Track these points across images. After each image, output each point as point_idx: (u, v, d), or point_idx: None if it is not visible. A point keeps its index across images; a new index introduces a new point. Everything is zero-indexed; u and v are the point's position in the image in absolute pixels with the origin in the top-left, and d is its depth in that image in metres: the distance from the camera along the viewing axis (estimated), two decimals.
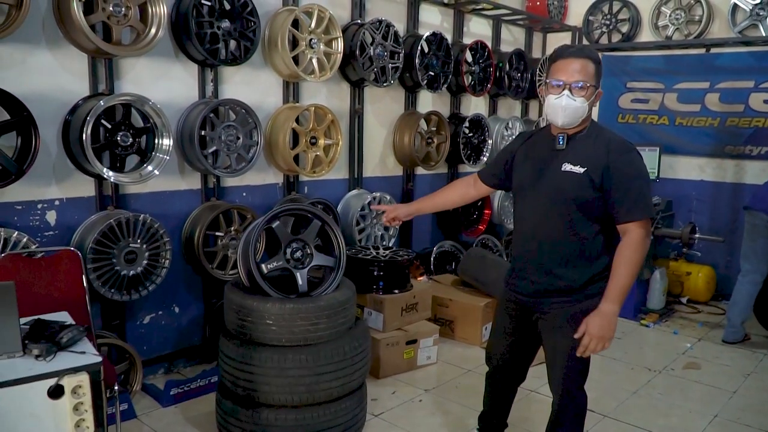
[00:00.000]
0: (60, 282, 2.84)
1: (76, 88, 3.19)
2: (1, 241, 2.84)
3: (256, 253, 2.89)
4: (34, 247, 2.94)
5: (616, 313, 2.22)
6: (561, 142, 2.31)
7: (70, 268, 2.86)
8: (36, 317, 2.16)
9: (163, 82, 3.53)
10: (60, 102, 3.14)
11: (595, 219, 2.28)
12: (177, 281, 3.73)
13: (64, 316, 2.25)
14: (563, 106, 2.22)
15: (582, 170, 2.25)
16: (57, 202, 3.21)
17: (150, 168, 3.28)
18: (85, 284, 2.87)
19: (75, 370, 1.81)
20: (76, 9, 2.90)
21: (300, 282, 2.96)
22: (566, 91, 2.21)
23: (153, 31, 3.20)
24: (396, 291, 3.99)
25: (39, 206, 3.15)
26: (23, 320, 2.07)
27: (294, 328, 2.78)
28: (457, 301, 4.42)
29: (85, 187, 3.29)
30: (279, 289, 2.89)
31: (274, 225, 2.96)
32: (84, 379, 1.81)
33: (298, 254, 3.00)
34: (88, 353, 1.92)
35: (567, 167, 2.27)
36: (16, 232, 2.89)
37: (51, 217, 3.20)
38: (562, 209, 2.29)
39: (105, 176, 3.09)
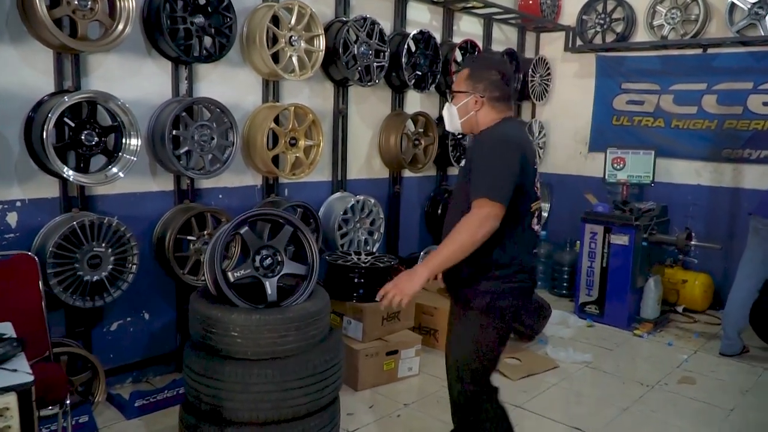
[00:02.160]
0: (14, 288, 2.69)
1: (41, 84, 3.05)
2: None
3: (222, 260, 2.74)
4: None
5: (422, 277, 2.18)
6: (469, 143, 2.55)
7: (25, 273, 2.71)
8: None
9: (134, 80, 3.39)
10: (23, 99, 3.00)
11: None
12: (147, 286, 3.58)
13: (5, 328, 2.10)
14: (445, 111, 2.47)
15: (463, 162, 2.45)
16: (18, 203, 3.06)
17: (115, 170, 3.13)
18: (41, 290, 2.73)
19: (1, 391, 1.66)
20: (39, 3, 2.75)
21: (269, 291, 2.81)
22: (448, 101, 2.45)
23: (120, 27, 3.05)
24: (377, 299, 3.83)
25: None
26: None
27: (260, 341, 2.63)
28: (442, 309, 4.26)
29: (49, 188, 3.14)
30: (248, 297, 2.75)
31: (242, 231, 2.82)
32: (11, 400, 1.65)
33: (268, 262, 2.85)
34: (20, 371, 1.76)
35: (462, 163, 2.42)
36: None
37: (12, 218, 3.05)
38: (458, 200, 2.37)
39: (65, 176, 2.94)
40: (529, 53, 6.16)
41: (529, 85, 5.84)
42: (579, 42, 5.95)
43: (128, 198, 3.45)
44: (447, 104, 2.44)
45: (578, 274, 5.12)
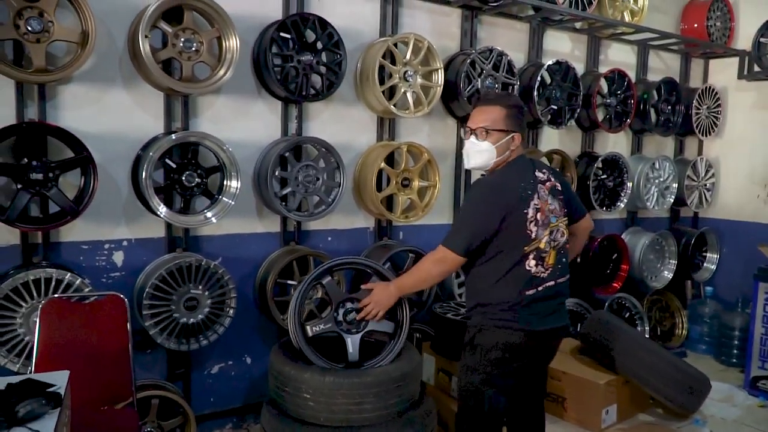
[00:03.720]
0: (104, 329, 2.69)
1: (151, 126, 3.10)
2: (53, 283, 2.76)
3: (300, 312, 2.54)
4: (87, 290, 2.82)
5: (394, 294, 2.62)
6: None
7: (115, 314, 2.71)
8: (27, 376, 1.97)
9: (243, 120, 3.36)
10: (133, 140, 3.06)
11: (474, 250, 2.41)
12: (249, 330, 3.49)
13: (60, 378, 2.03)
14: (466, 149, 2.54)
15: None
16: (125, 243, 3.11)
17: (209, 214, 3.08)
18: (129, 333, 2.70)
19: None
20: (142, 44, 2.79)
21: (350, 350, 2.56)
22: (472, 136, 2.50)
23: (222, 70, 3.02)
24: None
25: (106, 246, 3.06)
26: (14, 378, 1.89)
27: (333, 406, 2.38)
28: (571, 374, 3.71)
29: (155, 228, 3.17)
30: (331, 355, 2.51)
31: (325, 281, 2.60)
32: None
33: (351, 316, 2.60)
34: None
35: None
36: (69, 274, 2.79)
37: (118, 257, 3.10)
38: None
39: (160, 215, 2.93)
40: (695, 82, 5.41)
41: (694, 118, 5.09)
42: (756, 68, 5.09)
43: (233, 239, 3.41)
44: (473, 141, 2.50)
45: (750, 342, 4.27)
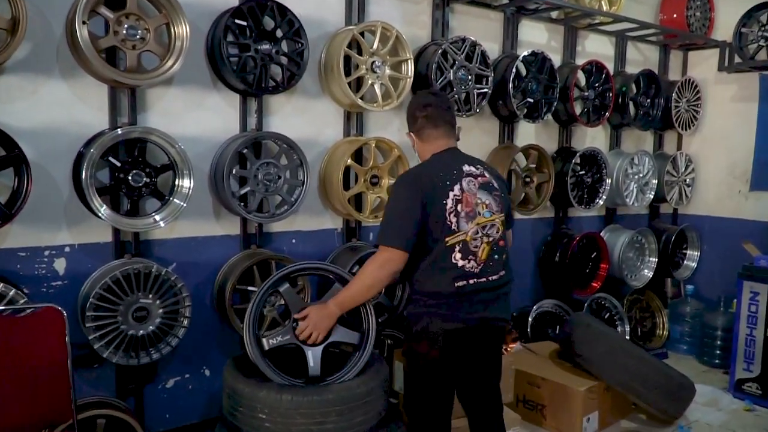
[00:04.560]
0: (39, 345, 2.44)
1: (94, 121, 2.83)
2: None
3: (256, 324, 2.31)
4: (22, 302, 2.55)
5: (334, 313, 2.46)
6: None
7: (51, 328, 2.45)
8: None
9: (197, 114, 3.11)
10: (75, 137, 2.79)
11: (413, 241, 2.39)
12: (208, 340, 3.26)
13: None
14: None
15: None
16: (67, 249, 2.85)
17: (157, 218, 2.83)
18: (68, 348, 2.45)
19: None
20: (80, 31, 2.54)
21: (311, 363, 2.34)
22: None
23: (171, 61, 2.77)
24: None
25: (46, 253, 2.80)
26: None
27: (292, 427, 2.18)
28: (551, 381, 3.54)
29: (101, 232, 2.91)
30: (292, 370, 2.29)
31: (282, 288, 2.38)
32: None
33: None
34: None
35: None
36: (1, 284, 2.53)
37: (60, 265, 2.84)
38: None
39: (102, 218, 2.68)
40: (674, 75, 5.27)
41: (674, 112, 4.95)
42: (737, 59, 4.96)
43: (189, 243, 3.16)
44: None
45: (735, 343, 4.13)
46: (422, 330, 2.38)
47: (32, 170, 2.61)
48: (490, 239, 2.43)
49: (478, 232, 2.39)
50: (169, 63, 2.77)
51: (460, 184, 2.41)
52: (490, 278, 2.43)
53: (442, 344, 2.37)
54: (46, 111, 2.73)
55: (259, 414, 2.16)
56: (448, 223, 2.35)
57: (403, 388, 2.52)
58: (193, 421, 3.27)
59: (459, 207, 2.37)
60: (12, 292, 2.53)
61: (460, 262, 2.36)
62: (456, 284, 2.34)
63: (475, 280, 2.38)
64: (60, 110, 2.76)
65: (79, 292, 2.85)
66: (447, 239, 2.35)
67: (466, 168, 2.48)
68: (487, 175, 2.53)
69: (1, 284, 2.51)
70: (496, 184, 2.54)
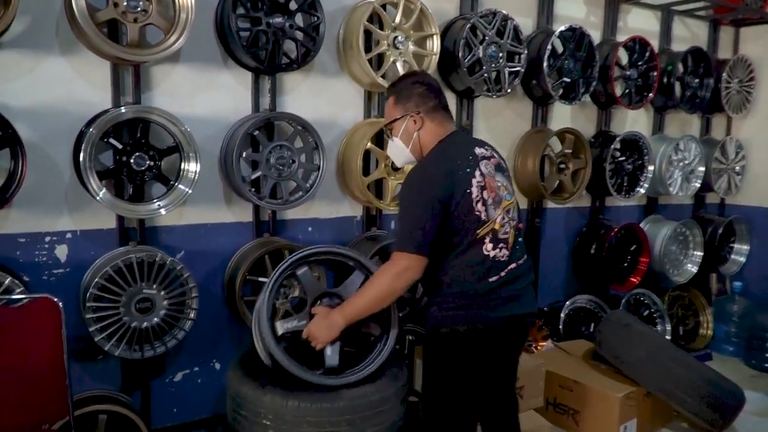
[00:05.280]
0: (33, 337, 2.29)
1: (96, 100, 2.66)
2: None
3: (270, 309, 2.13)
4: (18, 291, 2.42)
5: (338, 325, 2.21)
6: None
7: (46, 319, 2.29)
8: None
9: (207, 93, 2.92)
10: (76, 117, 2.62)
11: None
12: (218, 333, 3.09)
13: None
14: (389, 150, 2.43)
15: None
16: (69, 235, 2.70)
17: (160, 204, 2.65)
18: (63, 341, 2.29)
19: None
20: (76, 3, 2.37)
21: (328, 352, 2.16)
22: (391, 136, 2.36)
23: (174, 36, 2.58)
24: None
25: (47, 239, 2.66)
26: None
27: None
28: (585, 385, 3.28)
29: (104, 218, 2.75)
30: (310, 360, 2.11)
31: (300, 272, 2.19)
32: None
33: None
34: None
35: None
36: None
37: (61, 252, 2.70)
38: None
39: (100, 202, 2.51)
40: (724, 53, 4.89)
41: (723, 94, 4.60)
42: None
43: (198, 230, 2.99)
44: (390, 142, 2.38)
45: None
46: (449, 334, 2.16)
47: (31, 152, 2.49)
48: (514, 223, 2.26)
49: (504, 218, 2.20)
50: (174, 38, 2.58)
51: (479, 169, 2.18)
52: (518, 263, 2.26)
53: (473, 348, 2.17)
54: (45, 89, 2.57)
55: (263, 420, 1.98)
56: (477, 213, 2.13)
57: (424, 396, 2.30)
58: (203, 416, 3.12)
59: (485, 194, 2.15)
60: (7, 281, 2.40)
61: (492, 253, 2.15)
62: (489, 279, 2.15)
63: (507, 269, 2.19)
64: (60, 88, 2.60)
65: (82, 281, 2.70)
66: (478, 231, 2.13)
67: (478, 151, 2.25)
68: (495, 155, 2.33)
69: None
70: (504, 164, 2.36)
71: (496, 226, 2.16)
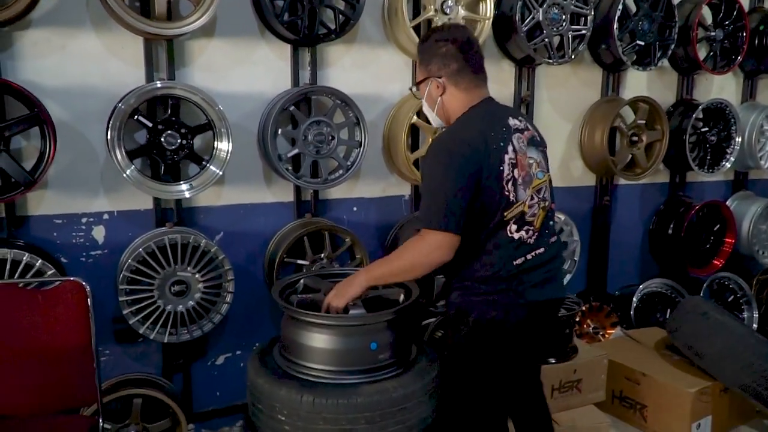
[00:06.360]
0: (61, 321, 2.25)
1: (130, 77, 2.59)
2: (9, 265, 2.34)
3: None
4: (49, 273, 2.40)
5: (360, 284, 2.08)
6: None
7: (74, 303, 2.25)
8: None
9: (244, 68, 2.80)
10: (110, 95, 2.54)
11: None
12: (260, 315, 3.01)
13: None
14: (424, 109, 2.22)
15: None
16: (106, 216, 2.66)
17: (184, 187, 2.55)
18: (91, 325, 2.25)
19: None
20: None
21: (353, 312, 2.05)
22: None
23: (203, 8, 2.45)
24: (552, 360, 2.77)
25: (83, 220, 2.63)
26: None
27: None
28: (653, 378, 2.98)
29: (140, 199, 2.70)
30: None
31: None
32: None
33: None
34: None
35: None
36: (27, 255, 2.37)
37: (98, 233, 2.67)
38: None
39: (128, 180, 2.44)
40: None
41: None
42: None
43: (237, 210, 2.90)
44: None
45: None
46: (476, 321, 1.97)
47: (64, 132, 2.46)
48: (545, 203, 2.05)
49: (533, 198, 1.99)
50: (202, 9, 2.45)
51: (512, 144, 1.95)
52: (546, 248, 2.06)
53: (501, 335, 1.99)
54: (77, 67, 2.52)
55: (278, 415, 1.85)
56: (506, 193, 1.92)
57: (450, 389, 2.13)
58: (245, 400, 3.05)
59: (515, 172, 1.94)
60: (38, 263, 2.38)
61: (516, 235, 1.96)
62: (515, 262, 1.96)
63: (533, 253, 2.00)
64: (92, 66, 2.55)
65: (119, 263, 2.66)
66: (505, 214, 1.93)
67: (512, 122, 2.02)
68: (530, 127, 2.10)
69: (27, 255, 2.36)
70: (539, 137, 2.12)
71: (525, 208, 1.97)
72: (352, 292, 2.06)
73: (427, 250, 1.89)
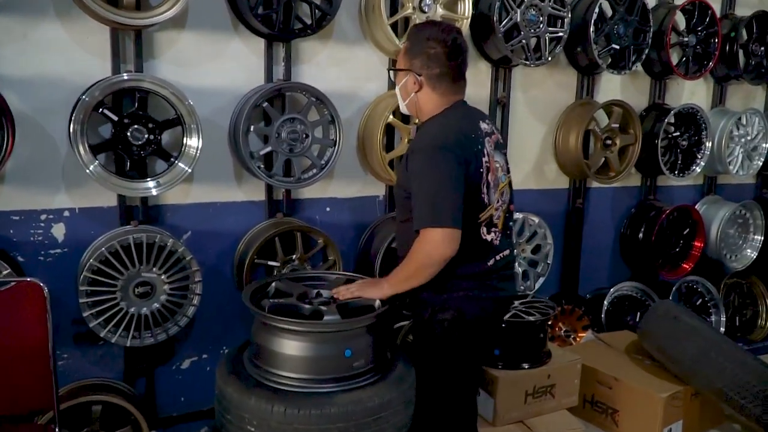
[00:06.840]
0: (16, 324, 2.14)
1: (96, 69, 2.47)
2: None
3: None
4: (5, 273, 2.27)
5: (382, 288, 2.07)
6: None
7: (30, 305, 2.14)
8: None
9: (216, 62, 2.71)
10: (74, 87, 2.43)
11: None
12: (229, 317, 2.91)
13: None
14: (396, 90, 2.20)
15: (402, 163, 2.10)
16: (67, 213, 2.54)
17: (150, 185, 2.45)
18: (48, 328, 2.13)
19: None
20: None
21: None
22: None
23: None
24: (525, 365, 2.75)
25: (42, 217, 2.50)
26: None
27: None
28: (625, 382, 2.98)
29: (105, 196, 2.58)
30: None
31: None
32: None
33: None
34: None
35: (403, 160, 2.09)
36: None
37: (58, 231, 2.54)
38: (401, 207, 2.14)
39: (89, 175, 2.33)
40: None
41: None
42: None
43: (206, 209, 2.80)
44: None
45: None
46: (454, 318, 2.04)
47: (24, 124, 2.35)
48: (506, 205, 2.15)
49: (498, 201, 2.08)
50: (169, 3, 2.36)
51: (486, 148, 2.03)
52: (510, 249, 2.18)
53: (478, 332, 2.11)
54: (39, 57, 2.40)
55: (247, 426, 1.78)
56: (483, 196, 2.00)
57: (421, 393, 2.14)
58: (212, 405, 2.95)
59: (489, 176, 2.02)
60: None
61: (488, 237, 2.06)
62: (488, 263, 2.06)
63: (501, 254, 2.11)
64: (56, 56, 2.43)
65: (79, 263, 2.55)
66: (480, 216, 2.01)
67: (482, 126, 2.10)
68: (495, 131, 2.18)
69: None
70: (501, 140, 2.21)
71: (493, 211, 2.06)
72: (373, 294, 2.08)
73: (435, 246, 1.90)
